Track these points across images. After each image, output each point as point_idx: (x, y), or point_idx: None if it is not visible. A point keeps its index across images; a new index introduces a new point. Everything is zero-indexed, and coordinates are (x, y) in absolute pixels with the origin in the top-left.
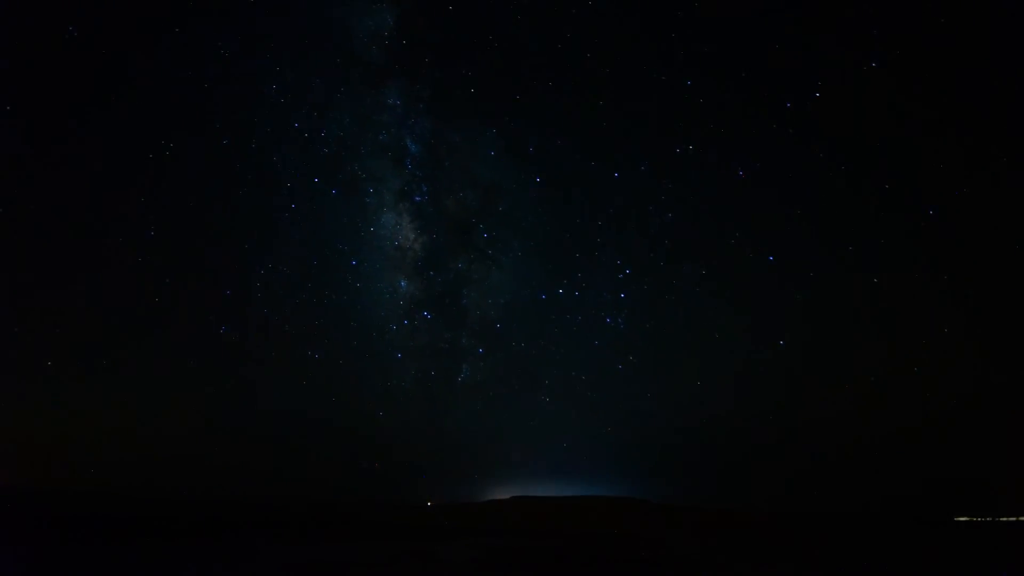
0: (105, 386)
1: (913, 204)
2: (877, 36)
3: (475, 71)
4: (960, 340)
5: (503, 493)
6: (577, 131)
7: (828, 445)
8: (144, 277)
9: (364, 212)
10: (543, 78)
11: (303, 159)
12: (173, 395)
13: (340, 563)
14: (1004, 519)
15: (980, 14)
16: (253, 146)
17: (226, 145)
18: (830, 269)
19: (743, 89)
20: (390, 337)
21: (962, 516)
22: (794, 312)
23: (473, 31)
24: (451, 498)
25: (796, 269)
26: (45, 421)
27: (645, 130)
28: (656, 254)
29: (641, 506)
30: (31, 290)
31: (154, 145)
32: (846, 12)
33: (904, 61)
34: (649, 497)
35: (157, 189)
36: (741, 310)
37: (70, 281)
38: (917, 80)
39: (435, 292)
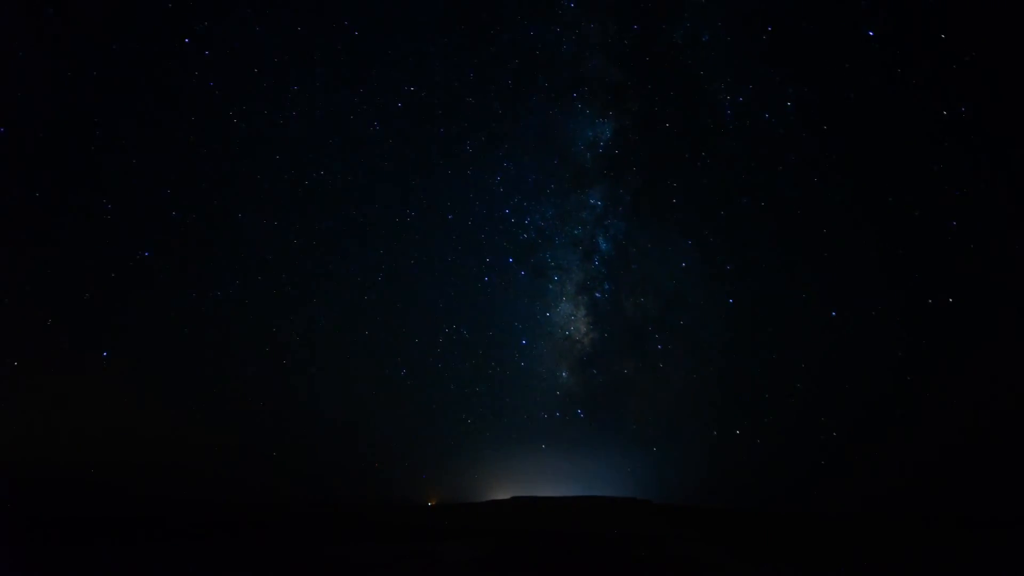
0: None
1: None
2: None
3: (680, 183)
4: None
5: (503, 493)
6: (788, 258)
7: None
8: (361, 314)
9: (544, 297)
10: (755, 196)
11: (504, 240)
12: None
13: (340, 563)
14: (1006, 520)
15: None
16: (469, 223)
17: (450, 220)
18: None
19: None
20: (539, 425)
21: (964, 516)
22: None
23: (685, 146)
24: (451, 498)
25: None
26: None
27: (883, 268)
28: (876, 422)
29: (642, 506)
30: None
31: (403, 212)
32: None
33: None
34: (650, 497)
35: (394, 249)
36: None
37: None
38: None
39: (594, 392)
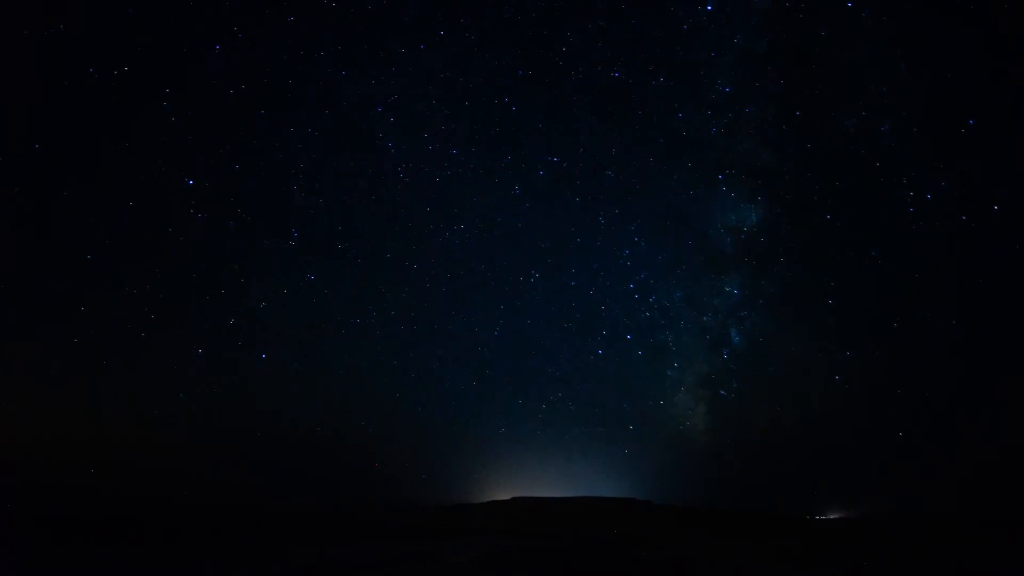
0: None
1: None
2: None
3: (840, 282)
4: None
5: (503, 493)
6: (986, 394)
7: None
8: (472, 367)
9: (661, 383)
10: (943, 312)
11: (625, 316)
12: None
13: (340, 563)
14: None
15: None
16: (591, 293)
17: (572, 287)
18: None
19: None
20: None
21: (964, 517)
22: None
23: (850, 242)
24: (451, 498)
25: None
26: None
27: None
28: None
29: (642, 507)
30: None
31: (528, 271)
32: None
33: None
34: (651, 498)
35: (514, 307)
36: None
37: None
38: None
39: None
